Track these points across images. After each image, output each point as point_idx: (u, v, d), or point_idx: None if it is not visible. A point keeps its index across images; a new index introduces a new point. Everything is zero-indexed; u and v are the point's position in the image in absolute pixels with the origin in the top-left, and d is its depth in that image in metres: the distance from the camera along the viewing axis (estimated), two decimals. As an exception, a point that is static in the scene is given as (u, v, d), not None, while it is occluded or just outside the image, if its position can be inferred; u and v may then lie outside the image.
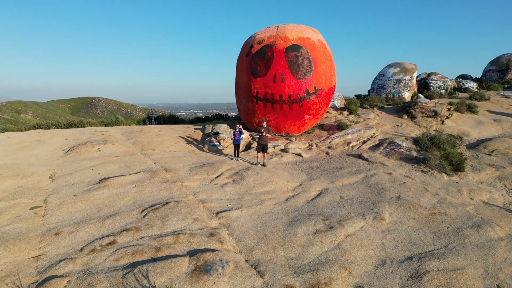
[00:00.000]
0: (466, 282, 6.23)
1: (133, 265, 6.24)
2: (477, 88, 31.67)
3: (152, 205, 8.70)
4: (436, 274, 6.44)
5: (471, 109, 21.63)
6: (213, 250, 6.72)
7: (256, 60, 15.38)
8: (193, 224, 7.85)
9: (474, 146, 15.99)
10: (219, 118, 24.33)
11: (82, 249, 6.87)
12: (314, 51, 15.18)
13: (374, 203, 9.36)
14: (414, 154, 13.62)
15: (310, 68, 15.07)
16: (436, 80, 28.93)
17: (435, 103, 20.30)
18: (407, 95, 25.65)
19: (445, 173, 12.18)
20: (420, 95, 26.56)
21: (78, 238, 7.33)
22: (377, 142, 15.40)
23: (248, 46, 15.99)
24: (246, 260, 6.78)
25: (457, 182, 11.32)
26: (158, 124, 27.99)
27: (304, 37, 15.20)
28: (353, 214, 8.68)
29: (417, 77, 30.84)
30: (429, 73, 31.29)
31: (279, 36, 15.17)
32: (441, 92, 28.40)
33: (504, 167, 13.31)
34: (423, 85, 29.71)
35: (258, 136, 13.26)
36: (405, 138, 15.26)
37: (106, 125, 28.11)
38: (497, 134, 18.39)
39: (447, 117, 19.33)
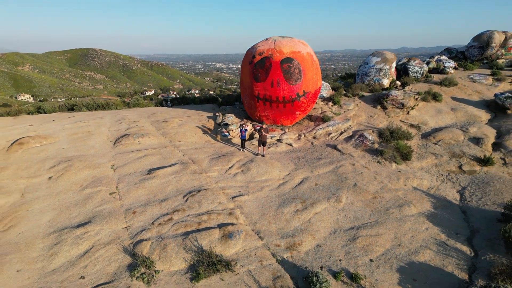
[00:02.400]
0: (381, 243, 10.21)
1: (186, 233, 10.19)
2: (455, 67, 34.56)
3: (189, 192, 12.55)
4: (364, 238, 10.42)
5: (436, 98, 24.83)
6: (232, 224, 10.66)
7: (258, 68, 18.54)
8: (218, 206, 11.74)
9: (427, 135, 19.53)
10: (226, 103, 27.56)
11: (153, 223, 10.80)
12: (303, 62, 18.31)
13: (337, 189, 13.19)
14: (376, 146, 17.27)
15: (300, 76, 18.29)
16: (414, 66, 31.74)
17: (404, 95, 23.54)
18: (386, 82, 28.69)
19: (396, 162, 15.91)
20: (397, 82, 29.69)
21: (148, 216, 11.24)
22: (351, 133, 19.00)
23: (251, 55, 19.04)
24: (252, 230, 10.73)
25: (399, 171, 15.09)
26: (173, 105, 31.41)
27: (295, 51, 18.25)
28: (321, 198, 12.55)
29: (399, 61, 33.63)
30: (409, 58, 34.03)
31: (275, 50, 18.21)
32: (418, 77, 31.37)
33: (442, 156, 17.00)
34: (403, 69, 32.56)
35: (259, 129, 16.91)
36: (372, 131, 18.84)
37: (128, 105, 31.56)
38: (450, 122, 21.79)
39: (412, 108, 22.70)
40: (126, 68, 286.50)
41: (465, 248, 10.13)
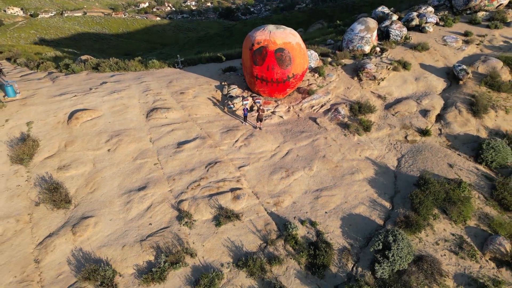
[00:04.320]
0: (334, 200, 15.02)
1: (210, 195, 14.97)
2: (436, 22, 36.56)
3: (209, 163, 17.06)
4: (324, 197, 15.25)
5: (405, 67, 27.90)
6: (240, 188, 15.38)
7: (256, 55, 21.63)
8: (229, 175, 16.35)
9: (389, 106, 23.27)
10: (230, 69, 30.67)
11: (187, 187, 15.52)
12: (293, 51, 21.35)
13: (311, 160, 17.68)
14: (346, 120, 21.30)
15: (290, 62, 21.47)
16: (395, 30, 33.81)
17: (377, 67, 26.68)
18: (367, 49, 31.26)
19: (358, 134, 20.08)
20: (377, 48, 32.24)
21: (183, 182, 15.92)
22: (329, 107, 22.84)
23: (250, 42, 21.90)
24: (252, 192, 15.49)
25: (358, 143, 19.31)
26: (183, 66, 34.43)
27: (287, 41, 21.14)
28: (299, 167, 17.11)
29: (382, 23, 35.61)
30: (392, 21, 35.87)
31: (270, 40, 21.08)
32: (397, 40, 33.79)
33: (395, 127, 21.09)
34: (385, 32, 34.65)
35: (257, 108, 20.91)
36: (345, 105, 22.64)
37: (146, 66, 34.53)
38: (411, 92, 25.20)
39: (383, 79, 26.03)
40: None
41: (387, 204, 15.01)
